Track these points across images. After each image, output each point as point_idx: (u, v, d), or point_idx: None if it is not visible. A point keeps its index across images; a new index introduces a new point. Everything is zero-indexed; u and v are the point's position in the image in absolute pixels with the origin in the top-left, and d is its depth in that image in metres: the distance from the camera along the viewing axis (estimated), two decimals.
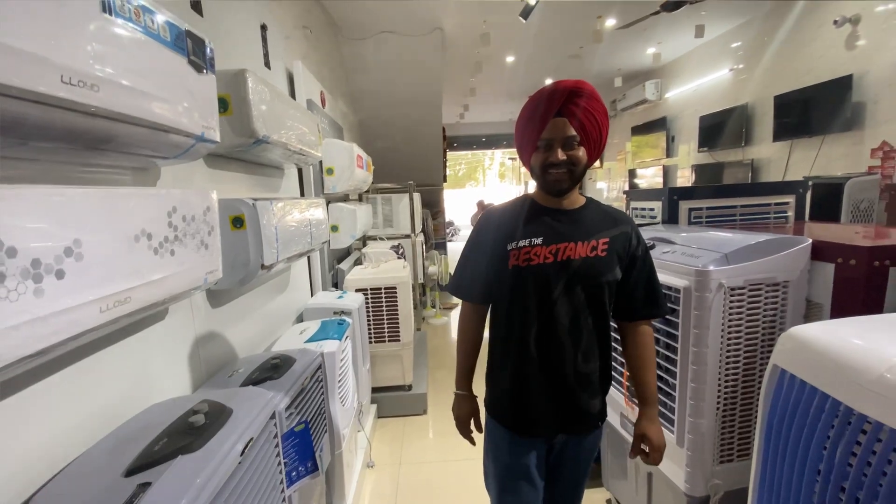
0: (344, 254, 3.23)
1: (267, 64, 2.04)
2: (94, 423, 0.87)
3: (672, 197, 1.86)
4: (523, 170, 10.41)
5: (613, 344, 1.21)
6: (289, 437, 1.18)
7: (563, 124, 0.97)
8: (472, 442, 1.23)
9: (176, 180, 1.23)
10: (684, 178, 6.01)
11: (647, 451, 1.10)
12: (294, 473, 1.20)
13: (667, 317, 1.34)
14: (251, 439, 0.87)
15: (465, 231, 11.91)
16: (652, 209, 2.00)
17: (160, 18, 0.83)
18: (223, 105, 1.36)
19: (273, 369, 1.30)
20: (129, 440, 0.81)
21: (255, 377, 1.26)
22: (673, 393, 1.33)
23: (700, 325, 1.23)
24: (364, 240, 3.80)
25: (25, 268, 0.56)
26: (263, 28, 2.01)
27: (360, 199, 3.72)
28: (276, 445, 1.02)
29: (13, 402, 0.72)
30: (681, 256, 1.33)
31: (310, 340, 1.68)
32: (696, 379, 1.26)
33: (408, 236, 3.90)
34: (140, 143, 0.88)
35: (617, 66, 6.14)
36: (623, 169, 8.05)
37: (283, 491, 1.05)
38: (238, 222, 1.34)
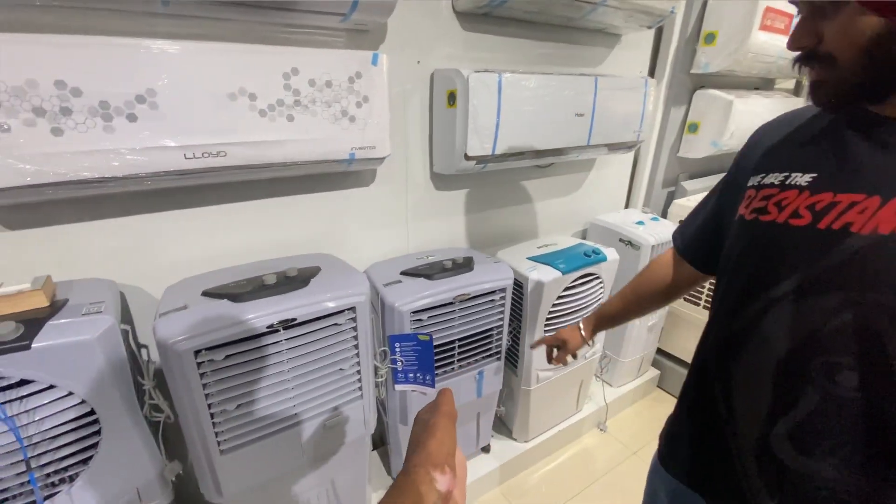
0: (713, 168, 2.27)
1: None
2: (277, 247, 1.13)
3: None
4: None
5: None
6: (409, 339, 1.11)
7: None
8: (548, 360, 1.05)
9: (408, 42, 1.15)
10: None
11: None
12: (411, 375, 1.16)
13: None
14: (293, 319, 0.87)
15: None
16: None
17: None
18: None
19: (441, 270, 1.19)
20: (253, 270, 0.98)
21: (421, 270, 1.20)
22: None
23: None
24: None
25: (93, 107, 0.71)
26: None
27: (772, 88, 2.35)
28: (354, 338, 0.99)
29: (225, 208, 1.02)
30: None
31: (533, 258, 1.40)
32: None
33: None
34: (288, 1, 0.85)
35: None
36: None
37: (359, 380, 1.04)
38: (451, 99, 1.16)
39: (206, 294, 0.89)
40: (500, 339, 1.31)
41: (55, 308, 0.73)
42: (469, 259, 1.25)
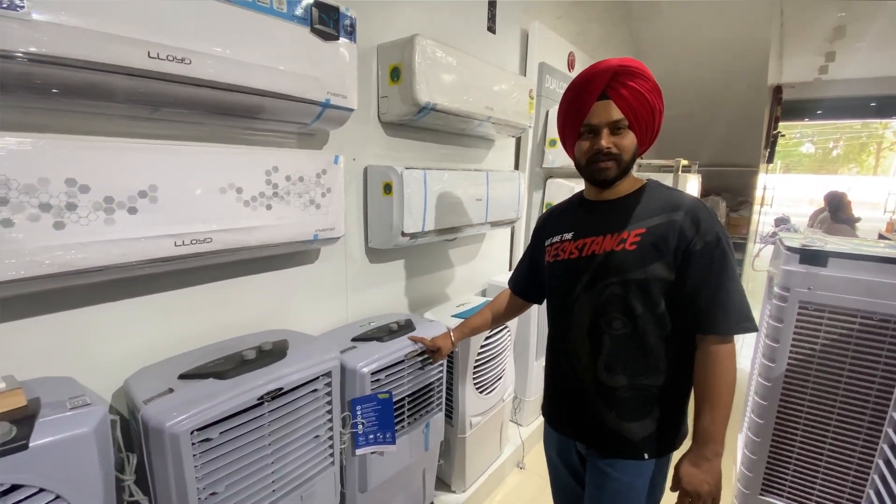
0: None
1: (491, 29, 1.98)
2: (226, 328, 1.14)
3: None
4: None
5: None
6: (369, 400, 1.21)
7: (607, 107, 0.88)
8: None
9: (345, 144, 1.38)
10: None
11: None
12: (371, 437, 1.24)
13: None
14: (280, 389, 0.93)
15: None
16: None
17: None
18: (396, 74, 1.41)
19: (388, 332, 1.34)
20: (217, 350, 1.01)
21: (370, 335, 1.33)
22: None
23: None
24: None
25: (97, 202, 0.75)
26: None
27: None
28: (328, 403, 1.06)
29: (177, 293, 1.02)
30: None
31: (456, 315, 1.64)
32: None
33: None
34: (259, 110, 1.02)
35: None
36: None
37: (331, 446, 1.09)
38: (388, 189, 1.41)
39: (184, 377, 0.89)
40: (441, 390, 1.48)
41: (34, 406, 0.68)
42: (409, 321, 1.43)
